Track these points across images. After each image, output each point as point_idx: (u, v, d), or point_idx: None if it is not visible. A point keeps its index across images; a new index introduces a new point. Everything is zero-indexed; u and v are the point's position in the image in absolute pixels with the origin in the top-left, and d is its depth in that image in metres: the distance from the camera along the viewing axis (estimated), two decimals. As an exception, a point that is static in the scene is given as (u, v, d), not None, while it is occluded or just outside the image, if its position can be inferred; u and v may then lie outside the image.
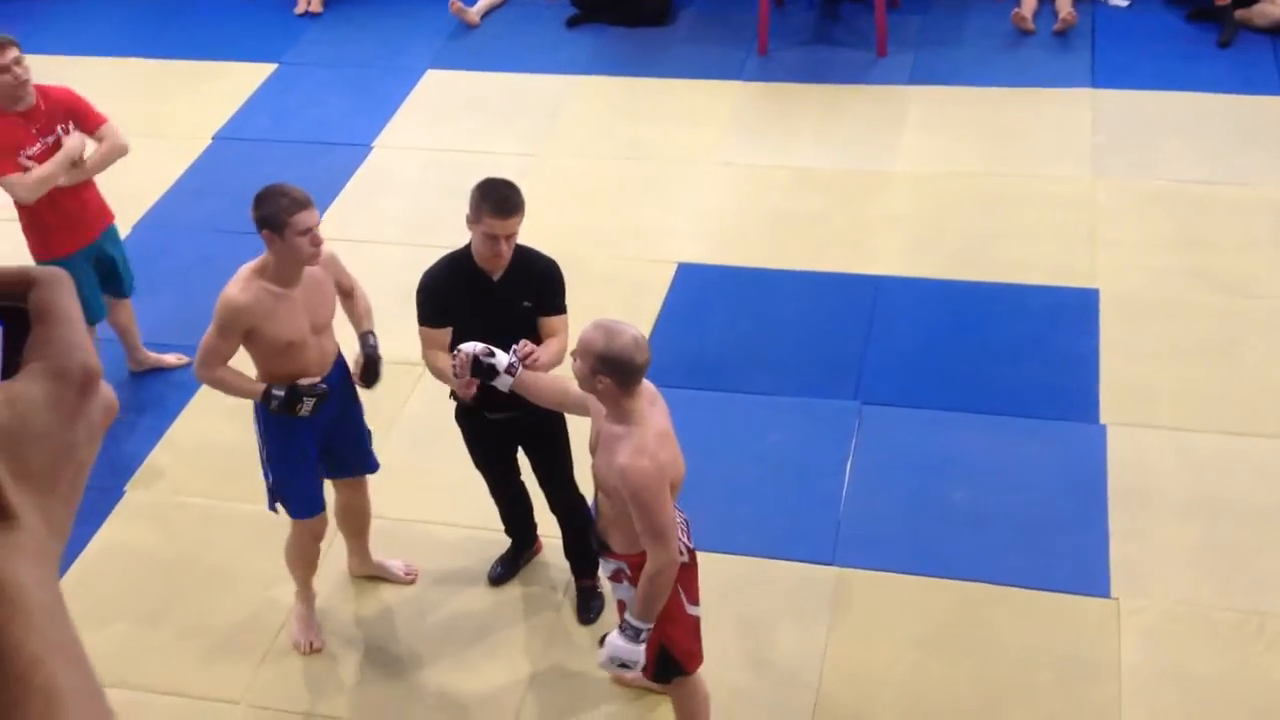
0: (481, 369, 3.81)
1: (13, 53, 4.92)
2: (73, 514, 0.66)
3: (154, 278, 6.08)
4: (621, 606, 3.80)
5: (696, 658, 3.87)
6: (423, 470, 5.21)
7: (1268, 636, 4.39)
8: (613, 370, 3.47)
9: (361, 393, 4.47)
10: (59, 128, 5.09)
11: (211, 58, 8.26)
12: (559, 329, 4.19)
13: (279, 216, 3.90)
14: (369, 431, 4.56)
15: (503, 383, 3.84)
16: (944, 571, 4.69)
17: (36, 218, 5.16)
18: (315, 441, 4.31)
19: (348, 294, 4.36)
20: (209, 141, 7.45)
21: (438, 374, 4.22)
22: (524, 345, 3.91)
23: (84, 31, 8.57)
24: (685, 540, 3.73)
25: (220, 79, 8.01)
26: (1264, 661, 4.32)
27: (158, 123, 7.52)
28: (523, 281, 4.15)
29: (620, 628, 3.65)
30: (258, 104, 7.79)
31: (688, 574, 3.77)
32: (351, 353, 4.40)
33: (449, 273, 4.18)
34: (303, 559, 4.51)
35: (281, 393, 4.11)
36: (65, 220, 5.21)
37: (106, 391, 0.67)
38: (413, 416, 5.46)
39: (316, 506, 4.41)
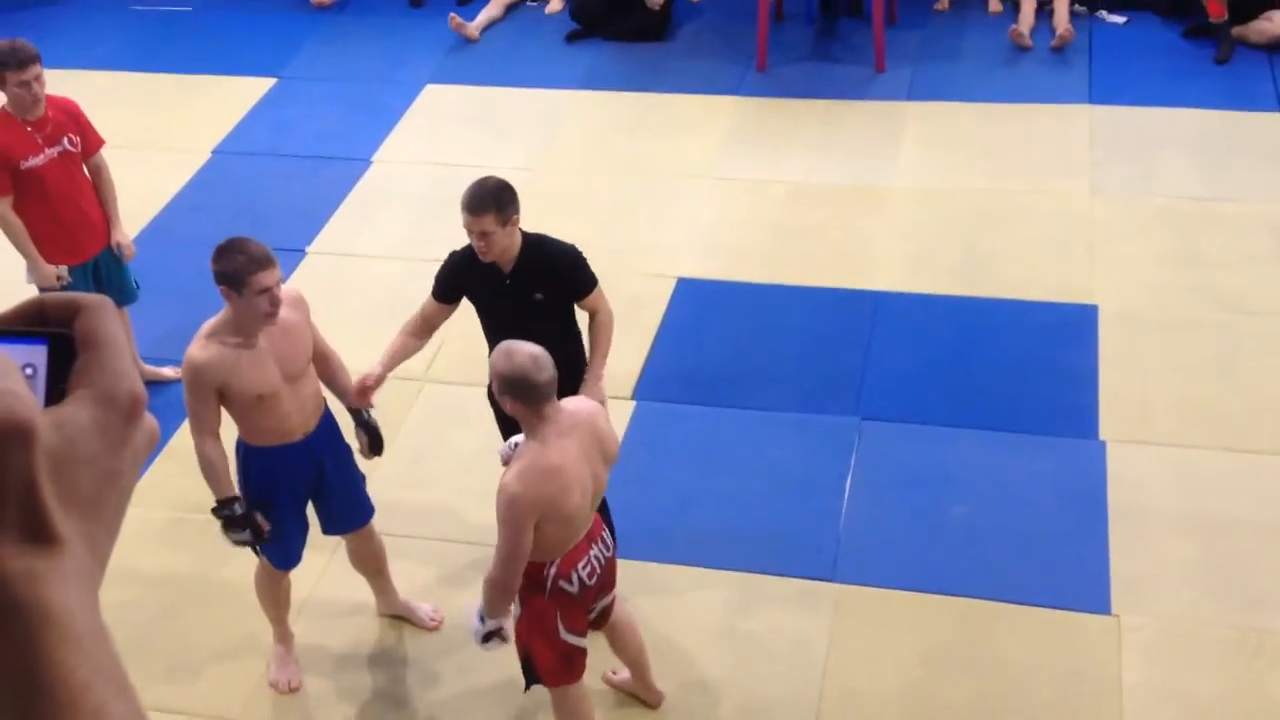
0: None
1: (35, 69, 5.02)
2: (114, 540, 0.66)
3: (151, 292, 6.05)
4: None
5: (558, 678, 3.90)
6: (421, 485, 5.21)
7: (1268, 654, 4.38)
8: (514, 390, 3.52)
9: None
10: (65, 139, 5.18)
11: (210, 71, 8.26)
12: (597, 304, 4.27)
13: (239, 275, 3.83)
14: (363, 476, 4.46)
15: None
16: (944, 588, 4.69)
17: (38, 228, 5.19)
18: (298, 501, 4.27)
19: (323, 356, 4.25)
20: (208, 156, 7.45)
21: (396, 347, 4.31)
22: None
23: (86, 45, 8.57)
24: (584, 575, 3.77)
25: (219, 93, 8.01)
26: (1264, 679, 4.32)
27: (156, 136, 7.53)
28: (533, 275, 4.18)
29: (480, 607, 3.76)
30: (257, 118, 7.79)
31: (571, 605, 3.81)
32: (333, 406, 4.35)
33: (470, 259, 4.21)
34: (270, 595, 4.45)
35: (237, 514, 4.09)
36: (64, 235, 5.26)
37: (149, 419, 0.68)
38: (411, 431, 5.45)
39: (294, 560, 4.38)
